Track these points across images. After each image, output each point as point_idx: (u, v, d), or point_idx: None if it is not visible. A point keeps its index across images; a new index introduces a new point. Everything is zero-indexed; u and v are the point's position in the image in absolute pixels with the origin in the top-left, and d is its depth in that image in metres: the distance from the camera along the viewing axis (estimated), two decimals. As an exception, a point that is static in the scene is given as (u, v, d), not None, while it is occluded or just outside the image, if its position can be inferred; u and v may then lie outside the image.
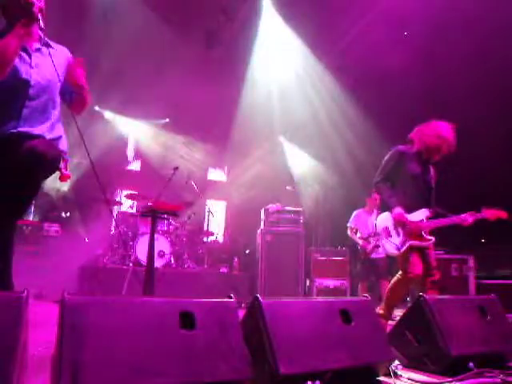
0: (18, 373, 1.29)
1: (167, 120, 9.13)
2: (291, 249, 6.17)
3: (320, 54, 7.57)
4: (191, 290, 5.56)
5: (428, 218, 3.35)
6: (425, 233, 3.33)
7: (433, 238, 3.33)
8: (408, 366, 2.23)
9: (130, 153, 9.14)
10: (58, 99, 2.34)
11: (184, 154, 8.64)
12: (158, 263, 5.64)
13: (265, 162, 8.77)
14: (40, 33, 2.27)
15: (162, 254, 5.90)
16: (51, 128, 2.25)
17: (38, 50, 2.25)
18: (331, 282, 6.40)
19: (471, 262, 6.08)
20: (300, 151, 10.19)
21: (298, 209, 6.55)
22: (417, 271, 3.26)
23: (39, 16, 2.09)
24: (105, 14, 6.56)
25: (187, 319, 1.57)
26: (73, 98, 2.39)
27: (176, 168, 4.99)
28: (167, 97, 7.62)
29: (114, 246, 6.34)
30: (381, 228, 3.45)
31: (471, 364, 2.10)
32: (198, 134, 8.95)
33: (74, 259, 5.65)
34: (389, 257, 5.02)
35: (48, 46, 2.30)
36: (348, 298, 5.33)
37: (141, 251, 5.59)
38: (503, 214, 3.41)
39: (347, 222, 5.93)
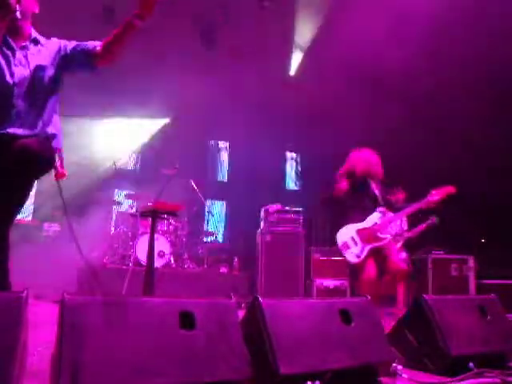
0: (17, 373, 1.29)
1: (167, 119, 9.13)
2: (291, 249, 6.16)
3: (319, 50, 7.59)
4: (191, 290, 5.56)
5: (382, 219, 3.82)
6: (380, 233, 3.74)
7: (388, 236, 3.76)
8: (408, 366, 2.23)
9: (130, 152, 9.14)
10: (51, 95, 2.27)
11: (184, 153, 8.64)
12: (158, 263, 5.63)
13: (265, 162, 8.76)
14: (30, 30, 2.22)
15: (161, 254, 5.90)
16: (43, 126, 2.20)
17: (24, 47, 2.19)
18: (331, 282, 6.40)
19: (471, 262, 6.08)
20: (299, 151, 10.20)
21: (297, 209, 6.54)
22: (370, 275, 3.66)
23: (17, 7, 2.01)
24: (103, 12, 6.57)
25: (187, 319, 1.57)
26: (98, 56, 2.26)
27: (176, 168, 4.98)
28: (167, 96, 7.62)
29: (114, 246, 6.34)
30: (340, 244, 3.86)
31: (471, 364, 2.10)
32: (197, 133, 8.94)
33: (74, 259, 5.64)
34: None
35: (37, 42, 2.25)
36: (348, 298, 5.33)
37: (141, 251, 5.58)
38: (451, 189, 3.76)
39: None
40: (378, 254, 3.72)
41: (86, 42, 2.33)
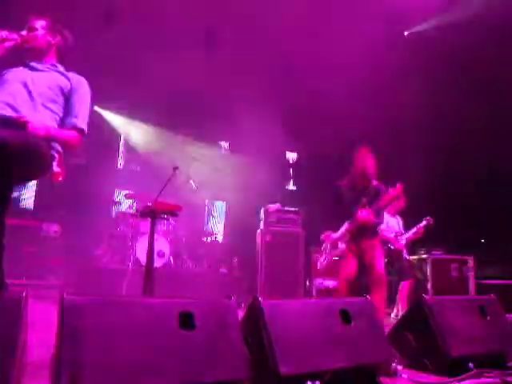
0: (17, 373, 1.29)
1: (167, 120, 9.12)
2: (291, 249, 6.16)
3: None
4: (191, 290, 5.56)
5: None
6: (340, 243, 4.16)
7: (342, 246, 4.10)
8: (408, 366, 2.23)
9: (130, 152, 9.13)
10: (52, 106, 2.47)
11: (183, 153, 8.64)
12: (158, 263, 5.63)
13: (265, 162, 8.76)
14: (52, 60, 2.55)
15: (161, 254, 5.90)
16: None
17: (39, 68, 2.51)
18: (331, 282, 6.40)
19: (471, 262, 6.08)
20: (299, 151, 10.20)
21: (297, 209, 6.53)
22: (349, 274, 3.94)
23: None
24: (105, 12, 6.57)
25: (187, 319, 1.57)
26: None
27: (176, 168, 4.97)
28: (166, 96, 7.61)
29: (113, 246, 6.33)
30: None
31: (471, 364, 2.10)
32: (197, 133, 8.94)
33: (74, 259, 5.64)
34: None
35: (55, 67, 2.56)
36: (348, 298, 5.32)
37: (140, 251, 5.58)
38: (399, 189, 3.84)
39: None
40: (362, 257, 3.92)
41: (71, 116, 2.50)
